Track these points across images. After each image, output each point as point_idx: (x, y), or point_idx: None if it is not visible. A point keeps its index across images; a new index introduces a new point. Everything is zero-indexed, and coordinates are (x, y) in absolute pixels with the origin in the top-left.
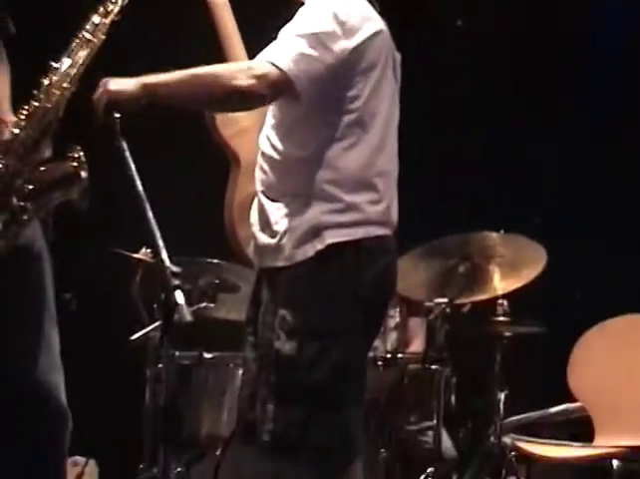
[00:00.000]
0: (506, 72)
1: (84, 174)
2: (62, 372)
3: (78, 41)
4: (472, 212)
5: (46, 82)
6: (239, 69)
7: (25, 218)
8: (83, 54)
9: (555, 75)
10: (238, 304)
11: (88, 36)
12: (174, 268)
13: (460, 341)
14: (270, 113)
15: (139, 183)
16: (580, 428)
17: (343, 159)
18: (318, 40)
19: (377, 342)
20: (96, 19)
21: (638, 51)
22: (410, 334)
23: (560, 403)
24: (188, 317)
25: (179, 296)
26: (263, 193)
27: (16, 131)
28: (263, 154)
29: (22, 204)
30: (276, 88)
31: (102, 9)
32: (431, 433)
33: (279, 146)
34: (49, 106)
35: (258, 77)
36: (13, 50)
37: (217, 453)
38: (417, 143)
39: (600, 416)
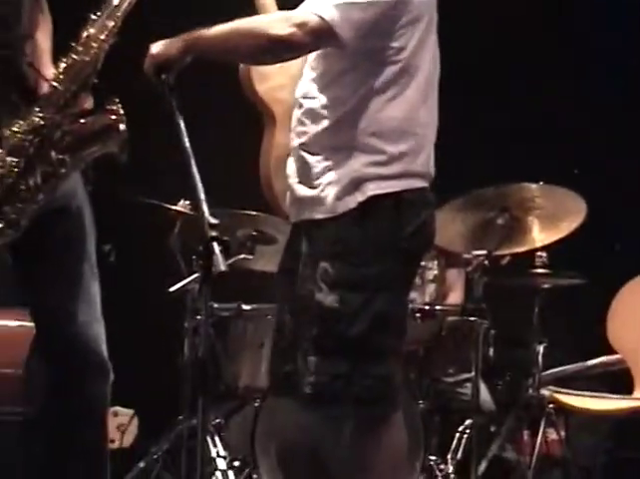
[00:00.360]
0: (542, 27)
1: (122, 126)
2: (102, 324)
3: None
4: (510, 163)
5: (84, 34)
6: (279, 18)
7: (64, 171)
8: (121, 7)
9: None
10: (276, 256)
11: None
12: (212, 220)
13: (498, 293)
14: (309, 66)
15: (186, 138)
16: (619, 380)
17: (386, 111)
18: None
19: (415, 294)
20: None
21: None
22: (447, 286)
23: (599, 355)
24: (223, 267)
25: (215, 248)
26: (303, 146)
27: (55, 84)
28: (302, 107)
29: (61, 156)
30: (317, 36)
31: None
32: (469, 385)
33: (321, 98)
34: (87, 59)
35: (298, 25)
36: (53, 2)
37: (256, 404)
38: (455, 94)
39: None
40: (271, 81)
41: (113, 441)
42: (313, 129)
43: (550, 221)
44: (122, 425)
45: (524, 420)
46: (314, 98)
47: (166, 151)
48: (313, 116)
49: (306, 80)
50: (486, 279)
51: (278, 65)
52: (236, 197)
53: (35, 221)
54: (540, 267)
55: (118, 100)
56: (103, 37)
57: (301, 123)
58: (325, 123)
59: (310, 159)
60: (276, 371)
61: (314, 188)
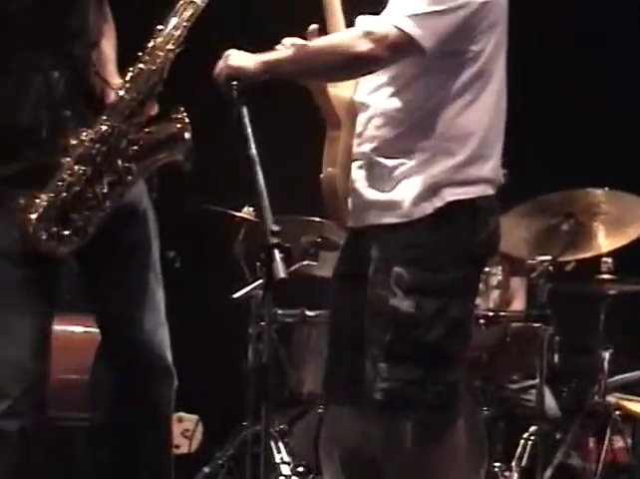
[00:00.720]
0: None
1: (187, 135)
2: (167, 330)
3: (182, 2)
4: (576, 168)
5: (151, 44)
6: (357, 35)
7: (130, 178)
8: (187, 16)
9: None
10: (334, 262)
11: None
12: (274, 227)
13: (563, 300)
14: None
15: (253, 145)
16: None
17: (463, 115)
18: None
19: (479, 300)
20: None
21: None
22: (511, 293)
23: None
24: (282, 274)
25: (276, 254)
26: (376, 150)
27: (121, 93)
28: (371, 110)
29: (127, 165)
30: (398, 49)
31: None
32: (534, 392)
33: (394, 102)
34: (153, 68)
35: (377, 40)
36: (119, 12)
37: (319, 410)
38: (519, 96)
39: None
40: (335, 86)
41: (178, 447)
42: (386, 133)
43: (616, 226)
44: (187, 431)
45: (590, 427)
46: (385, 101)
47: (231, 158)
48: (386, 120)
49: (373, 82)
50: (551, 285)
51: None
52: (301, 203)
53: (102, 227)
54: (606, 274)
55: (183, 108)
56: (169, 46)
57: (371, 127)
58: (400, 127)
59: (384, 163)
60: (335, 377)
61: (387, 192)
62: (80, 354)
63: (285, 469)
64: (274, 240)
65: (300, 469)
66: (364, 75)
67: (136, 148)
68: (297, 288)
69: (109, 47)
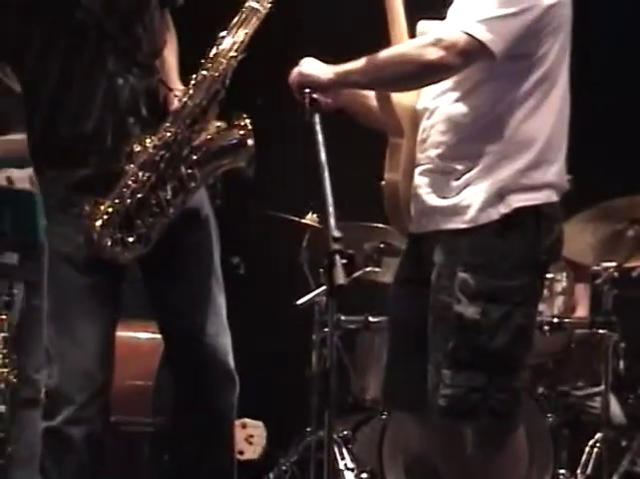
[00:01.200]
0: None
1: (250, 141)
2: (229, 336)
3: (245, 10)
4: None
5: (213, 51)
6: (427, 43)
7: (193, 185)
8: (250, 23)
9: None
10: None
11: (255, 5)
12: (336, 233)
13: (628, 306)
14: None
15: (324, 154)
16: None
17: (530, 120)
18: (504, 2)
19: (543, 306)
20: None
21: None
22: (575, 299)
23: None
24: (342, 281)
25: (337, 261)
26: (441, 156)
27: (184, 99)
28: (435, 116)
29: (190, 171)
30: (469, 55)
31: None
32: (599, 399)
33: (459, 107)
34: (216, 75)
35: (447, 47)
36: (181, 20)
37: (383, 416)
38: (585, 101)
39: None
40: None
41: (242, 453)
42: (452, 139)
43: None
44: (250, 437)
45: None
46: (450, 107)
47: (295, 165)
48: (451, 125)
49: (437, 88)
50: (616, 292)
51: None
52: (364, 210)
53: (164, 234)
54: None
55: (246, 115)
56: (232, 54)
57: (436, 133)
58: (466, 132)
59: (449, 169)
60: (395, 383)
61: (452, 197)
62: (145, 360)
63: (349, 475)
64: (336, 247)
65: (364, 475)
66: (434, 83)
67: (199, 154)
68: (361, 294)
69: (171, 55)
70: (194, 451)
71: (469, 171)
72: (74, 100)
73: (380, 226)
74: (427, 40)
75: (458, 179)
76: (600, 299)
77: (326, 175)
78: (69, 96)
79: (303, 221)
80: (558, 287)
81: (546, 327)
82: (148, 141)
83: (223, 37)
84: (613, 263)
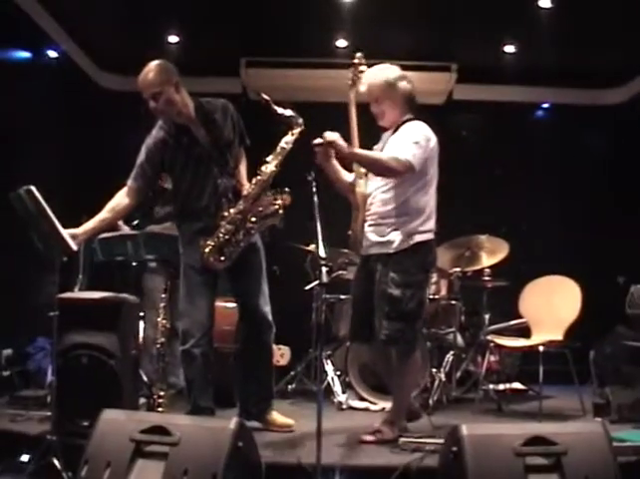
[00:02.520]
0: None
1: (281, 211)
2: (269, 305)
3: (279, 147)
4: (477, 222)
5: (263, 167)
6: (391, 158)
7: (252, 232)
8: (282, 154)
9: None
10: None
11: (283, 145)
12: (322, 255)
13: (466, 290)
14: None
15: (317, 209)
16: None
17: (421, 199)
18: (420, 145)
19: (428, 290)
20: (287, 137)
21: None
22: (439, 286)
23: None
24: (325, 280)
25: (323, 269)
26: (379, 216)
27: (249, 191)
28: (377, 197)
29: (250, 225)
30: (407, 169)
31: (290, 133)
32: (451, 335)
33: (390, 192)
34: (265, 178)
35: (402, 163)
36: (249, 150)
37: (347, 344)
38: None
39: None
40: (359, 184)
41: (278, 361)
42: (384, 209)
43: (491, 252)
44: (282, 353)
45: (479, 351)
46: (384, 192)
47: (305, 217)
48: (384, 202)
49: (378, 181)
50: (460, 283)
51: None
52: (339, 241)
53: (238, 255)
54: (486, 276)
55: (277, 193)
56: (272, 169)
57: (376, 205)
58: (391, 206)
59: (384, 223)
60: (357, 327)
61: (385, 236)
62: (231, 316)
63: (330, 373)
64: (322, 262)
65: (338, 373)
66: (389, 177)
67: (255, 217)
68: (335, 284)
69: (243, 168)
70: (254, 360)
71: (393, 224)
72: (196, 190)
73: (345, 250)
74: (391, 156)
75: (388, 228)
76: (452, 286)
77: (318, 223)
78: (193, 189)
79: (307, 248)
80: (433, 280)
81: (428, 299)
82: (231, 210)
83: (267, 161)
84: (458, 269)
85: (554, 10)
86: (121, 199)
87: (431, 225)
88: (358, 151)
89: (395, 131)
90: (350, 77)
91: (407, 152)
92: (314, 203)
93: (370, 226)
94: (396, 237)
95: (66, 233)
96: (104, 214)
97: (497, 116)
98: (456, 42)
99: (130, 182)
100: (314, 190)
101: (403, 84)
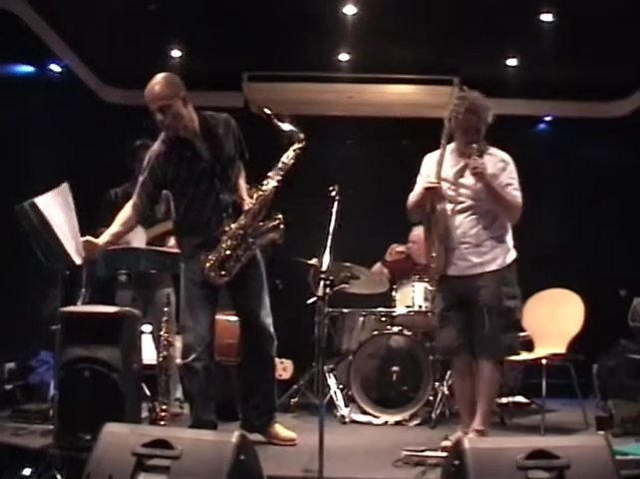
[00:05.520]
0: None
1: (282, 226)
2: (271, 317)
3: (280, 164)
4: None
5: (264, 182)
6: (518, 204)
7: (253, 247)
8: (283, 170)
9: None
10: (358, 285)
11: (285, 161)
12: (323, 268)
13: None
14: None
15: (332, 231)
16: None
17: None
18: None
19: None
20: (290, 153)
21: None
22: None
23: None
24: (320, 293)
25: (321, 283)
26: (473, 237)
27: (250, 206)
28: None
29: (251, 240)
30: (519, 213)
31: (292, 149)
32: None
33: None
34: (267, 193)
35: (519, 208)
36: (247, 164)
37: (350, 358)
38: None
39: None
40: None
41: (280, 375)
42: (476, 230)
43: None
44: (285, 367)
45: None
46: (474, 216)
47: (310, 234)
48: (475, 224)
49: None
50: None
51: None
52: (342, 256)
53: (239, 270)
54: None
55: (280, 213)
56: (274, 184)
57: (468, 227)
58: (485, 226)
59: (480, 243)
60: (452, 342)
61: (486, 255)
62: (232, 330)
63: (333, 387)
64: (322, 276)
65: (340, 386)
66: (507, 215)
67: (256, 232)
68: (338, 298)
69: (242, 180)
70: (256, 373)
71: (492, 243)
72: (197, 205)
73: (348, 264)
74: (517, 199)
75: (487, 247)
76: None
77: (330, 237)
78: (195, 203)
79: (310, 262)
80: None
81: (432, 313)
82: (232, 225)
83: (269, 176)
84: None
85: (556, 23)
86: (128, 213)
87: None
88: (494, 182)
89: (480, 156)
90: (454, 108)
91: (519, 194)
92: (332, 217)
93: (467, 248)
94: (497, 254)
95: (75, 242)
96: (116, 227)
97: (500, 129)
98: (458, 55)
99: (134, 197)
100: (335, 204)
101: (491, 113)
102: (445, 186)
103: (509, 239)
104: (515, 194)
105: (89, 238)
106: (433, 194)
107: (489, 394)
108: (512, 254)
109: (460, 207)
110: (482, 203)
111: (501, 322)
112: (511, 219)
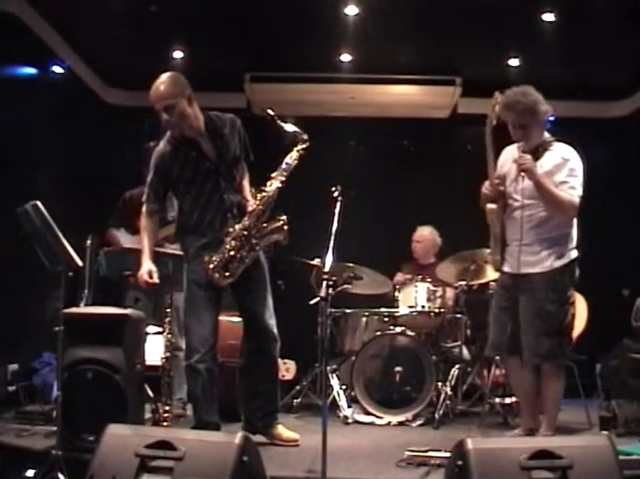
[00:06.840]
0: None
1: (285, 227)
2: (275, 319)
3: (284, 165)
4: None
5: (268, 183)
6: (569, 201)
7: (257, 248)
8: (287, 172)
9: None
10: (361, 286)
11: (288, 161)
12: (326, 269)
13: (471, 303)
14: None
15: (334, 231)
16: None
17: (573, 227)
18: (581, 181)
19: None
20: (293, 154)
21: None
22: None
23: None
24: (322, 294)
25: (324, 283)
26: (536, 239)
27: (254, 207)
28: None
29: (255, 241)
30: (575, 212)
31: (295, 150)
32: (457, 348)
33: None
34: (270, 194)
35: (574, 206)
36: (252, 165)
37: (353, 359)
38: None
39: None
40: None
41: (283, 376)
42: (535, 229)
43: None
44: (288, 368)
45: (484, 365)
46: (535, 214)
47: (312, 233)
48: (536, 223)
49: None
50: (465, 296)
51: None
52: (344, 256)
53: (243, 271)
54: (491, 289)
55: (283, 215)
56: (278, 185)
57: (527, 226)
58: (544, 226)
59: (536, 242)
60: (504, 341)
61: (539, 255)
62: (236, 331)
63: (336, 387)
64: (324, 276)
65: (343, 387)
66: (556, 214)
67: (259, 233)
68: (341, 299)
69: (246, 181)
70: (258, 374)
71: (547, 244)
72: (201, 204)
73: (351, 264)
74: (568, 197)
75: (542, 247)
76: (458, 300)
77: (333, 237)
78: (199, 203)
79: (312, 262)
80: (438, 294)
81: (440, 313)
82: (237, 226)
83: (272, 177)
84: (464, 282)
85: (558, 23)
86: (148, 224)
87: (575, 241)
88: (540, 176)
89: (536, 151)
90: (494, 109)
91: (576, 193)
92: (335, 217)
93: (523, 245)
94: (550, 256)
95: (70, 248)
96: (151, 239)
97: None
98: (460, 56)
99: (145, 204)
100: (337, 205)
101: (545, 107)
102: (507, 183)
103: (569, 241)
104: (571, 192)
105: (150, 268)
106: (494, 192)
107: (549, 398)
108: (566, 258)
109: (515, 204)
110: (537, 201)
111: (542, 326)
112: (562, 218)
